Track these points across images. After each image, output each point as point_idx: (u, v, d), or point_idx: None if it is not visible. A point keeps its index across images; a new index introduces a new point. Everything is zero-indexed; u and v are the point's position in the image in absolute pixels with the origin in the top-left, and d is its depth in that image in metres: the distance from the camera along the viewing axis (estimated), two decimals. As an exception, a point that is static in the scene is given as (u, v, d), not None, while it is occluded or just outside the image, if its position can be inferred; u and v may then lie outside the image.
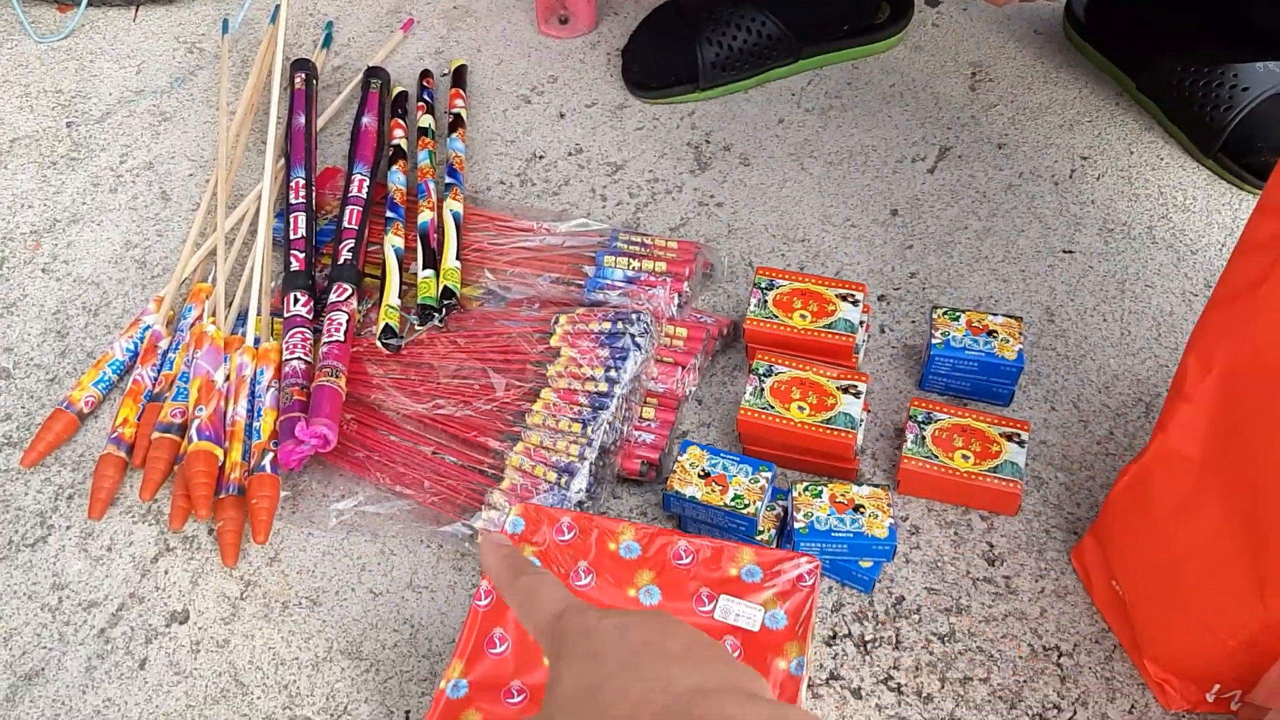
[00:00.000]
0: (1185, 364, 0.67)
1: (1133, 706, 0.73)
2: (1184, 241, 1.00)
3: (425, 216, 0.99)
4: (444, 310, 0.93)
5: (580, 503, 0.80)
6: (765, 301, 0.90)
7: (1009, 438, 0.83)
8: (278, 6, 1.16)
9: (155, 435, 0.85)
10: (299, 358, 0.88)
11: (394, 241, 0.97)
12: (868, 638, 0.76)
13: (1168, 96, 1.08)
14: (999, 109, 1.12)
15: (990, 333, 0.87)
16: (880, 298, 0.97)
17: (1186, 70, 1.05)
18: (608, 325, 0.89)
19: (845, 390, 0.84)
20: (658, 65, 1.15)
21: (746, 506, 0.78)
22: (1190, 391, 0.66)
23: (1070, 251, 0.99)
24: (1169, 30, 1.05)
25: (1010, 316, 0.88)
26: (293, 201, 1.00)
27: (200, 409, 0.86)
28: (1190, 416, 0.67)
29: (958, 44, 1.19)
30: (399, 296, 0.94)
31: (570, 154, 1.11)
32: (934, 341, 0.87)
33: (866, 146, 1.10)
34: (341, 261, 0.95)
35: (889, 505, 0.78)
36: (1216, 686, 0.71)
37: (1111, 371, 0.91)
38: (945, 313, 0.89)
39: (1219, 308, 0.66)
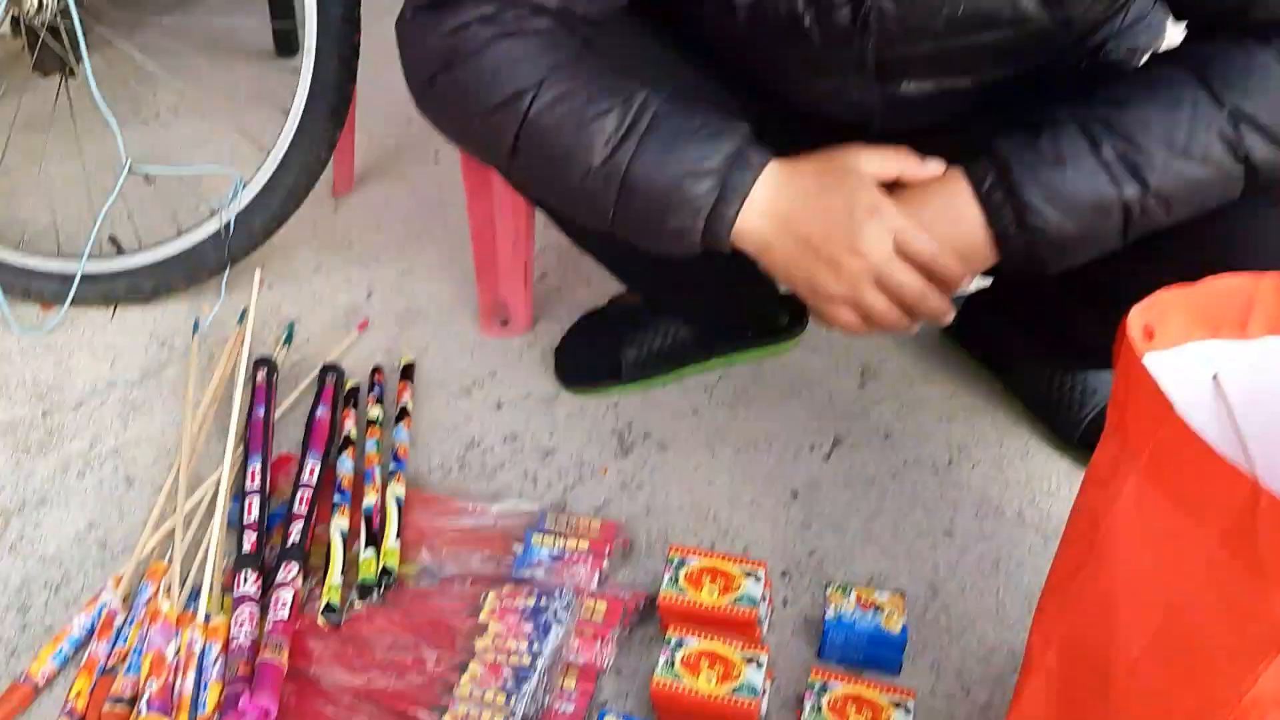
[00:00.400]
0: (1031, 640, 0.78)
1: None
2: (1050, 524, 1.12)
3: (370, 500, 1.09)
4: (382, 587, 1.01)
5: (503, 771, 0.87)
6: (677, 578, 1.00)
7: (897, 705, 0.91)
8: (245, 309, 1.29)
9: (107, 707, 0.91)
10: (246, 633, 0.96)
11: (340, 523, 1.07)
12: None
13: (1031, 396, 1.23)
14: (885, 404, 1.27)
15: (877, 607, 0.97)
16: (783, 573, 1.07)
17: (1044, 375, 1.21)
18: (532, 601, 0.98)
19: (749, 661, 0.92)
20: (586, 363, 1.30)
21: (656, 773, 0.85)
22: (1036, 664, 0.76)
23: (950, 534, 1.11)
24: (1028, 342, 1.22)
25: (895, 592, 0.99)
26: (248, 487, 1.10)
27: (151, 681, 0.92)
28: (1037, 686, 0.76)
29: (848, 346, 1.35)
30: (341, 574, 1.02)
31: (506, 440, 1.23)
32: (828, 616, 0.97)
33: (770, 435, 1.23)
34: (289, 544, 1.03)
35: (786, 771, 0.85)
36: None
37: (990, 643, 1.01)
38: (838, 588, 0.99)
39: (1051, 593, 0.77)
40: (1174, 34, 0.92)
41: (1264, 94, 0.78)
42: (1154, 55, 0.92)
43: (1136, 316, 0.71)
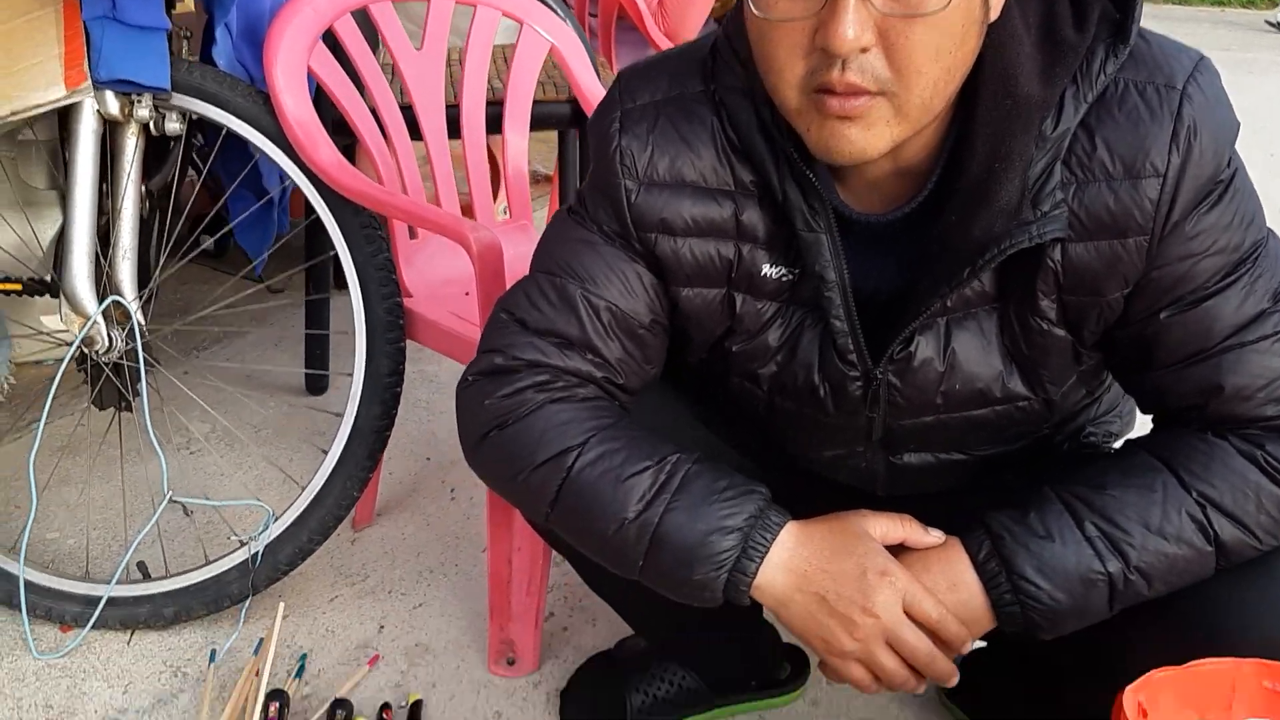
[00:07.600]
0: None
1: None
2: None
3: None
4: None
5: None
6: None
7: None
8: (262, 640, 1.32)
9: None
10: None
11: None
12: None
13: (1027, 752, 1.25)
14: (888, 761, 1.28)
15: None
16: None
17: (1041, 732, 1.24)
18: None
19: None
20: (590, 706, 1.32)
21: None
22: None
23: None
24: (1025, 705, 1.25)
25: None
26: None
27: None
28: None
29: (849, 700, 1.38)
30: None
31: (509, 785, 1.23)
32: None
33: (774, 791, 1.23)
34: None
35: None
36: None
37: None
38: None
39: None
40: (1145, 422, 1.03)
41: (1226, 481, 0.87)
42: (1127, 441, 1.03)
43: (1131, 696, 0.77)
